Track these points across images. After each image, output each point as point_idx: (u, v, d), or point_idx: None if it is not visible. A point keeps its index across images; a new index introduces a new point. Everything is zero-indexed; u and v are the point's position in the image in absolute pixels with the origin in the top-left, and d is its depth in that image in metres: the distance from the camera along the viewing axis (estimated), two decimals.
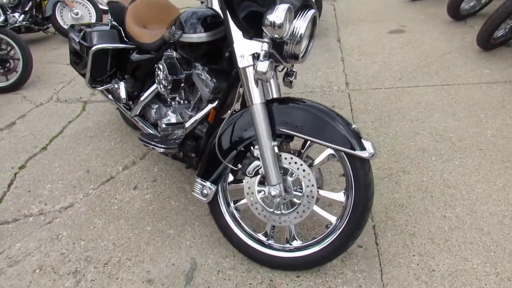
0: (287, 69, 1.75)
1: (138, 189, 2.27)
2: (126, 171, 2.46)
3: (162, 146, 1.86)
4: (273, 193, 1.47)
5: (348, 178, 1.47)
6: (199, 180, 1.66)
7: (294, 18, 1.39)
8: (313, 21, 1.51)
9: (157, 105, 2.21)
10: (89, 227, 2.02)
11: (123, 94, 2.27)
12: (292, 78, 1.76)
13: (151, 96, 2.17)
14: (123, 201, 2.19)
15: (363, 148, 1.40)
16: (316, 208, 1.55)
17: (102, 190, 2.30)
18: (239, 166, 1.57)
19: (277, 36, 1.33)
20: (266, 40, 1.36)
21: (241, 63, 1.43)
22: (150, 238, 1.91)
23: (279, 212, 1.56)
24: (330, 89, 3.22)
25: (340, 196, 1.53)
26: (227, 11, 1.41)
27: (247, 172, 1.55)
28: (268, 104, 1.51)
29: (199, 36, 1.64)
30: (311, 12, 1.42)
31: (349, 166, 1.45)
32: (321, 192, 1.55)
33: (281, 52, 1.44)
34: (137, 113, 2.28)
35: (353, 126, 1.45)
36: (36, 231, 2.03)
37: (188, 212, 2.04)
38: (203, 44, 1.66)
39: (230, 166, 1.58)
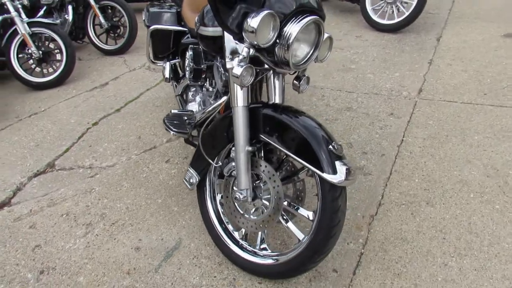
0: (297, 73, 1.68)
1: (169, 163, 2.46)
2: (168, 144, 2.67)
3: (173, 129, 1.98)
4: (237, 196, 1.47)
5: (318, 199, 1.39)
6: (189, 168, 1.75)
7: (288, 22, 1.32)
8: (317, 29, 1.42)
9: (194, 89, 2.33)
10: (116, 188, 2.28)
11: (166, 73, 2.44)
12: (301, 82, 1.68)
13: None
14: (152, 171, 2.40)
15: (334, 171, 1.31)
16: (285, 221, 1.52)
17: (141, 157, 2.56)
18: (220, 164, 1.61)
19: (255, 42, 1.30)
20: (246, 45, 1.34)
21: (228, 64, 1.44)
22: (156, 210, 2.08)
23: (248, 216, 1.56)
24: (398, 94, 2.94)
25: (307, 214, 1.47)
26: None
27: (224, 172, 1.57)
28: (259, 108, 1.49)
29: (213, 30, 1.67)
30: (309, 18, 1.33)
31: (320, 187, 1.37)
32: (289, 206, 1.50)
33: (274, 57, 1.40)
34: (179, 93, 2.44)
35: (330, 146, 1.34)
36: (78, 182, 2.38)
37: None
38: (218, 38, 1.68)
39: (212, 162, 1.62)
